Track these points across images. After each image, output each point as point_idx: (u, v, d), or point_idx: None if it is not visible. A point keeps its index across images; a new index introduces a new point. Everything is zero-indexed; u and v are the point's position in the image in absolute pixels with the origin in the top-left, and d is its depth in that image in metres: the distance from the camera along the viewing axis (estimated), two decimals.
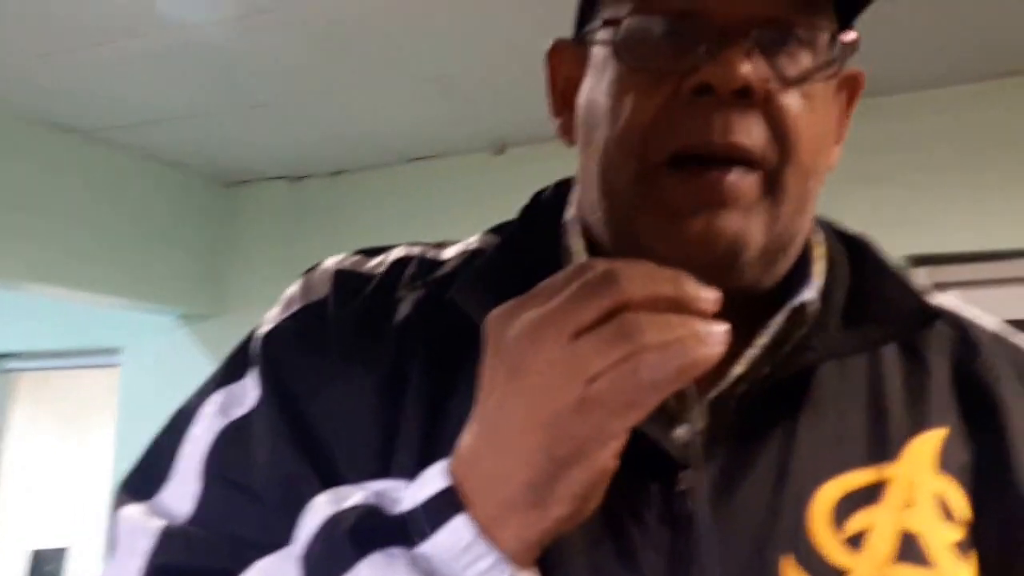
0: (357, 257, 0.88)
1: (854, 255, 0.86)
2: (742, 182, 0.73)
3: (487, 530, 0.64)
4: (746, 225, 0.74)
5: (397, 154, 3.82)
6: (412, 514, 0.66)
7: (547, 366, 0.61)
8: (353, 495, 0.70)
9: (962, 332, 0.85)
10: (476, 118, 3.48)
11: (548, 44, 0.88)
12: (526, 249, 0.83)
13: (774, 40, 0.74)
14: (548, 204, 0.88)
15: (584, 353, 0.60)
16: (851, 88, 0.84)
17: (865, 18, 0.81)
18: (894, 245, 3.31)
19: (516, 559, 0.64)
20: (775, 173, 0.74)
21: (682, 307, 0.61)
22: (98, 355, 4.30)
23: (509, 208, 3.34)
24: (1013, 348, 0.87)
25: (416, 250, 0.89)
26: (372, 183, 3.91)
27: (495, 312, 0.65)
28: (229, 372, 0.84)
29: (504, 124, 3.58)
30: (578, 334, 0.61)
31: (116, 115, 3.42)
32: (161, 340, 4.03)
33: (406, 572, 0.64)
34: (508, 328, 0.63)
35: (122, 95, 3.25)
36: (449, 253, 0.88)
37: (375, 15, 2.71)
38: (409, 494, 0.67)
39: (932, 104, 3.02)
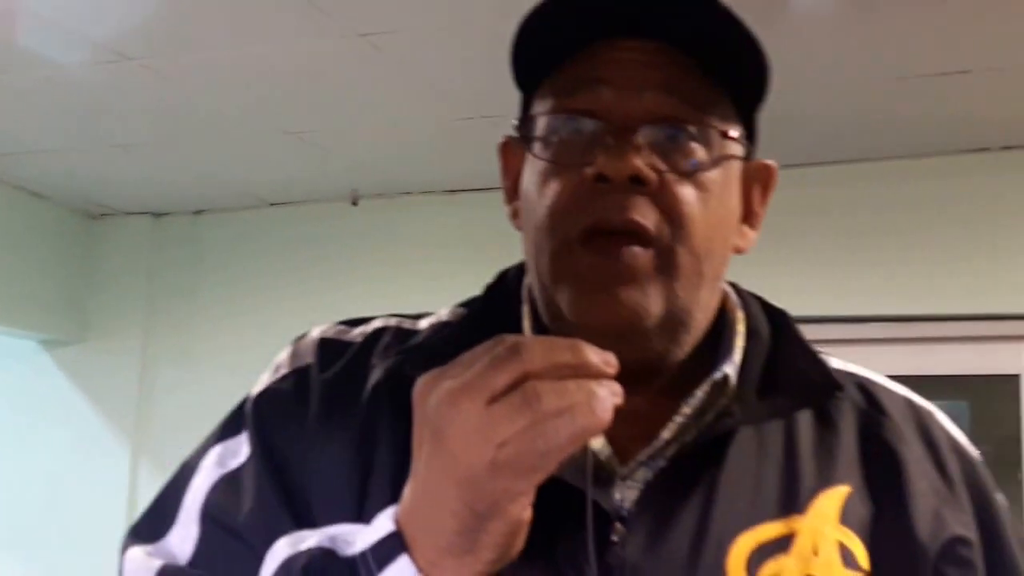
0: (340, 327, 0.96)
1: (775, 329, 0.92)
2: (638, 258, 0.80)
3: (426, 570, 0.71)
4: (643, 298, 0.81)
5: (257, 198, 3.99)
6: (363, 555, 0.72)
7: (463, 431, 0.67)
8: (309, 539, 0.76)
9: (871, 397, 0.93)
10: (331, 170, 3.68)
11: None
12: (486, 322, 0.88)
13: (664, 135, 0.82)
14: (512, 281, 0.95)
15: (494, 421, 0.66)
16: (764, 178, 0.91)
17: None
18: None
19: None
20: (668, 252, 0.81)
21: (581, 371, 0.68)
22: None
23: (364, 255, 3.58)
24: (921, 411, 0.94)
25: (393, 321, 0.96)
26: (233, 224, 4.09)
27: (421, 380, 0.71)
28: (227, 428, 0.92)
29: (357, 177, 3.77)
30: (491, 401, 0.67)
31: None
32: (23, 364, 4.14)
33: None
34: (431, 395, 0.70)
35: None
36: (423, 324, 0.95)
37: (235, 70, 2.85)
38: (362, 537, 0.74)
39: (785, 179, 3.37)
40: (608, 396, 0.68)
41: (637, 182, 0.80)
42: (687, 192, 0.82)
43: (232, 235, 4.10)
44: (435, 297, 3.58)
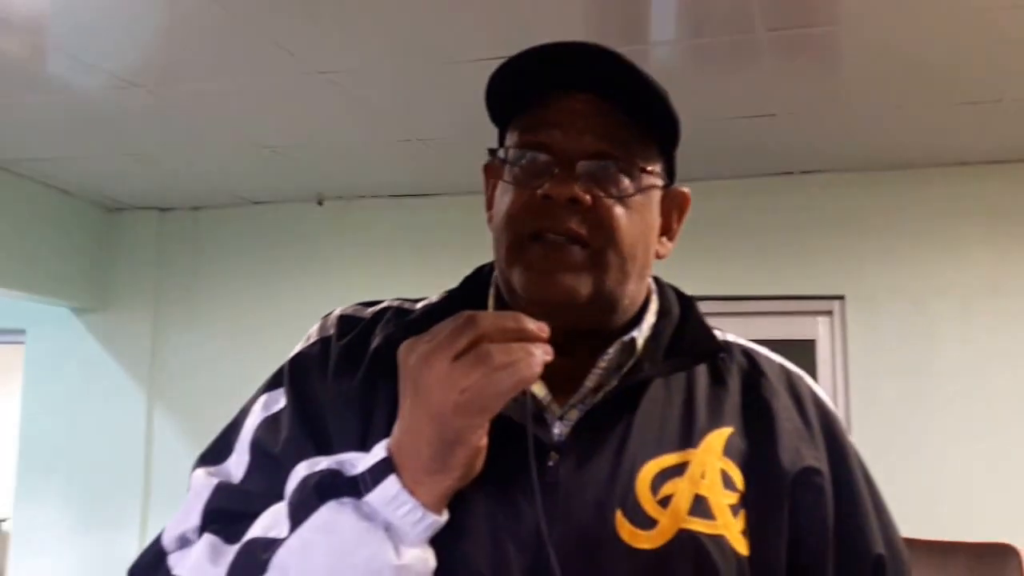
0: (358, 306, 1.09)
1: (683, 309, 1.07)
2: (575, 254, 0.94)
3: (409, 486, 0.84)
4: (576, 282, 0.94)
5: (243, 198, 4.42)
6: (362, 475, 0.85)
7: (434, 382, 0.82)
8: (323, 462, 0.89)
9: (753, 362, 1.07)
10: (301, 177, 4.08)
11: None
12: (460, 303, 1.02)
13: (598, 167, 0.95)
14: (485, 274, 1.08)
15: (457, 374, 0.81)
16: (680, 202, 1.05)
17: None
18: None
19: (431, 506, 0.85)
20: (600, 252, 0.94)
21: (521, 335, 0.82)
22: (7, 334, 4.89)
23: (327, 244, 4.72)
24: (791, 374, 1.08)
25: (396, 303, 1.09)
26: (224, 218, 4.55)
27: (403, 345, 0.86)
28: (272, 382, 1.05)
29: (321, 183, 4.20)
30: (455, 359, 0.81)
31: (23, 151, 3.81)
32: (57, 325, 4.67)
33: (351, 513, 0.84)
34: (411, 356, 0.84)
35: (28, 137, 3.63)
36: (419, 305, 1.08)
37: (221, 96, 3.13)
38: (362, 461, 0.87)
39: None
40: (541, 355, 0.82)
41: (574, 203, 0.93)
42: (616, 209, 0.95)
43: (224, 227, 4.54)
44: (382, 273, 4.32)
